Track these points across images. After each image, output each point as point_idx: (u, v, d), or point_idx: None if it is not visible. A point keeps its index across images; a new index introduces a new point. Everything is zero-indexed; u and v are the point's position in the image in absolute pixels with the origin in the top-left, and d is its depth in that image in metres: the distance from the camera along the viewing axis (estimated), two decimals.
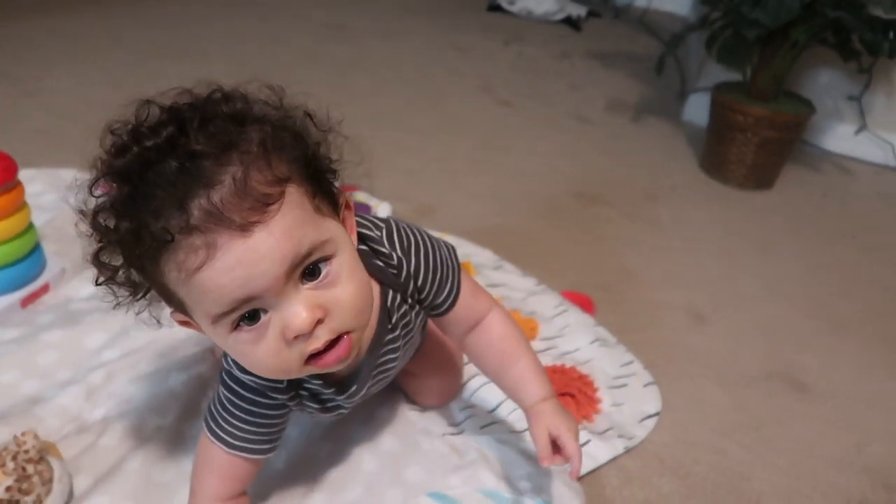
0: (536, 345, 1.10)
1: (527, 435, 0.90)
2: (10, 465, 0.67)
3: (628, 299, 1.27)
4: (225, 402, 0.68)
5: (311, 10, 2.59)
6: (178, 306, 0.57)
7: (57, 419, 0.83)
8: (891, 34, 1.50)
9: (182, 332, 0.95)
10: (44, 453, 0.70)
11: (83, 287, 1.06)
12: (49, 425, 0.82)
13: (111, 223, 0.53)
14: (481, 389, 0.96)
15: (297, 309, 0.54)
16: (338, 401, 0.71)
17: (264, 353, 0.56)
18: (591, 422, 0.97)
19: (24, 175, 1.01)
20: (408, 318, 0.71)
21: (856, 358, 1.20)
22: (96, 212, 0.55)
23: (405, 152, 1.68)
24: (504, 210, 1.50)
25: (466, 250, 1.31)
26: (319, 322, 0.55)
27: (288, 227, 0.52)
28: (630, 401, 1.02)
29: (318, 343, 0.56)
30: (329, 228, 0.56)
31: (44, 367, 0.90)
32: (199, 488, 0.70)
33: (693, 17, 2.65)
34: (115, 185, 0.53)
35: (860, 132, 1.97)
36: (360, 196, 1.42)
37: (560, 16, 2.93)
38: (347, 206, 0.62)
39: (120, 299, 0.58)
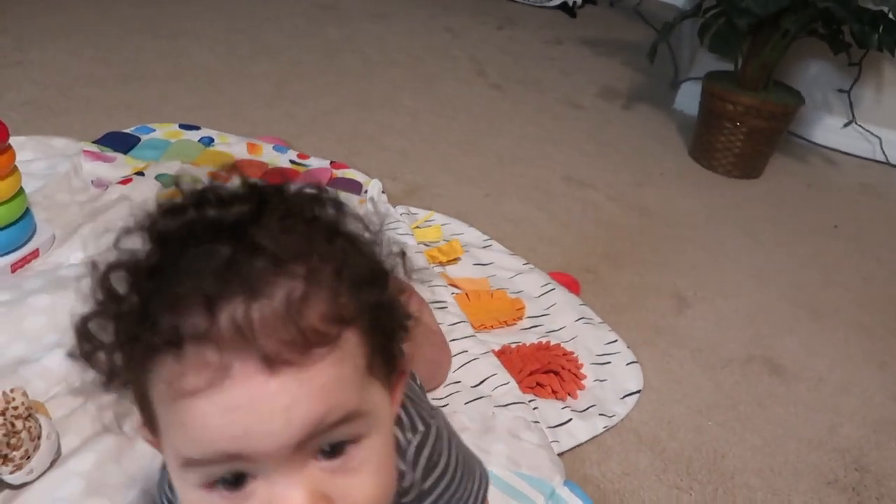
0: (523, 323, 1.12)
1: (509, 409, 0.92)
2: (0, 419, 0.68)
3: (613, 282, 1.29)
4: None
5: None
6: (150, 422, 0.43)
7: (44, 381, 0.84)
8: (880, 26, 1.52)
9: None
10: (32, 411, 0.71)
11: (72, 254, 1.06)
12: (36, 387, 0.83)
13: (120, 289, 0.41)
14: (465, 367, 0.98)
15: (295, 494, 0.40)
16: None
17: None
18: (576, 398, 0.99)
19: (14, 142, 1.01)
20: None
21: (833, 344, 1.23)
22: (110, 268, 0.42)
23: (396, 133, 1.69)
24: (492, 191, 1.51)
25: (455, 229, 1.32)
26: None
27: (327, 383, 0.39)
28: (612, 378, 1.04)
29: None
30: (374, 400, 0.43)
31: (31, 331, 0.90)
32: None
33: (688, 6, 2.66)
34: (149, 247, 0.41)
35: (848, 125, 1.99)
36: (351, 173, 1.43)
37: (555, 2, 2.93)
38: (402, 373, 0.48)
39: (87, 383, 0.44)
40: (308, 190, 0.43)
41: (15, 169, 0.99)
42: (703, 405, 1.04)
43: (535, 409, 0.94)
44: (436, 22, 2.50)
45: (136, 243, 0.41)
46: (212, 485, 0.40)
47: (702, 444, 0.97)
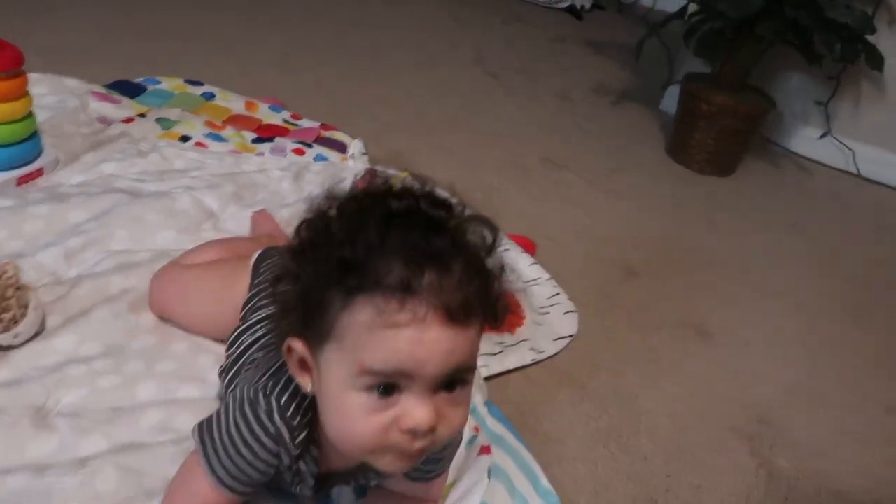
0: None
1: None
2: None
3: (571, 251, 1.39)
4: (233, 430, 0.64)
5: None
6: (316, 336, 0.57)
7: (35, 272, 0.95)
8: (843, 37, 1.61)
9: (158, 216, 1.08)
10: (21, 283, 0.82)
11: (73, 176, 1.18)
12: (28, 276, 0.94)
13: (362, 233, 0.55)
14: None
15: (427, 409, 0.55)
16: (307, 484, 0.69)
17: (370, 425, 0.56)
18: (513, 334, 1.09)
19: (31, 78, 1.13)
20: None
21: (767, 320, 1.32)
22: (359, 217, 0.56)
23: (388, 106, 1.80)
24: (470, 163, 1.62)
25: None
26: (431, 430, 0.57)
27: (471, 342, 0.56)
28: (549, 324, 1.14)
29: (416, 445, 0.57)
30: (476, 366, 0.60)
31: (29, 232, 1.02)
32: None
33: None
34: (372, 214, 0.56)
35: (824, 136, 2.08)
36: (338, 135, 1.54)
37: (564, 4, 3.04)
38: None
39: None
40: (478, 217, 0.61)
41: (26, 93, 1.11)
42: (627, 356, 1.14)
43: None
44: (445, 12, 2.61)
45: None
46: (371, 389, 0.56)
47: (619, 386, 1.07)
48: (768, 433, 1.06)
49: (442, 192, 0.60)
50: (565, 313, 1.17)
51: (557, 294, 1.21)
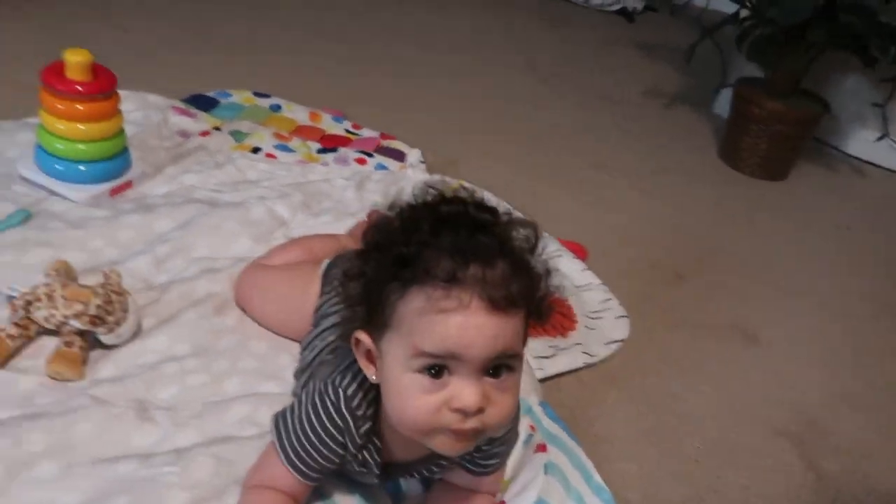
0: None
1: None
2: (100, 291, 0.89)
3: (620, 255, 1.43)
4: (304, 419, 0.72)
5: None
6: (377, 325, 0.65)
7: (130, 278, 1.05)
8: None
9: (234, 224, 1.17)
10: (123, 289, 0.92)
11: (158, 187, 1.28)
12: (123, 282, 1.04)
13: (416, 233, 0.62)
14: None
15: (474, 390, 0.62)
16: (372, 473, 0.76)
17: (424, 404, 0.63)
18: (565, 337, 1.14)
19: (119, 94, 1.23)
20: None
21: (813, 326, 1.35)
22: (414, 220, 0.64)
23: (441, 113, 1.87)
24: (518, 170, 1.67)
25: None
26: (479, 411, 0.63)
27: (514, 329, 0.62)
28: (601, 328, 1.19)
29: (466, 425, 0.63)
30: (522, 354, 0.66)
31: (123, 240, 1.12)
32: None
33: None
34: (426, 216, 0.64)
35: (882, 139, 2.06)
36: (397, 144, 1.62)
37: (616, 7, 3.05)
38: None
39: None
40: (522, 219, 0.68)
41: (119, 112, 1.21)
42: (674, 357, 1.18)
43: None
44: (496, 16, 2.66)
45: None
46: (423, 370, 0.63)
47: (667, 388, 1.12)
48: (816, 435, 1.09)
49: (490, 199, 0.68)
50: (617, 318, 1.22)
51: (609, 299, 1.26)
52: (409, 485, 0.86)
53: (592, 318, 1.22)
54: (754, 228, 1.64)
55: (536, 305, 0.66)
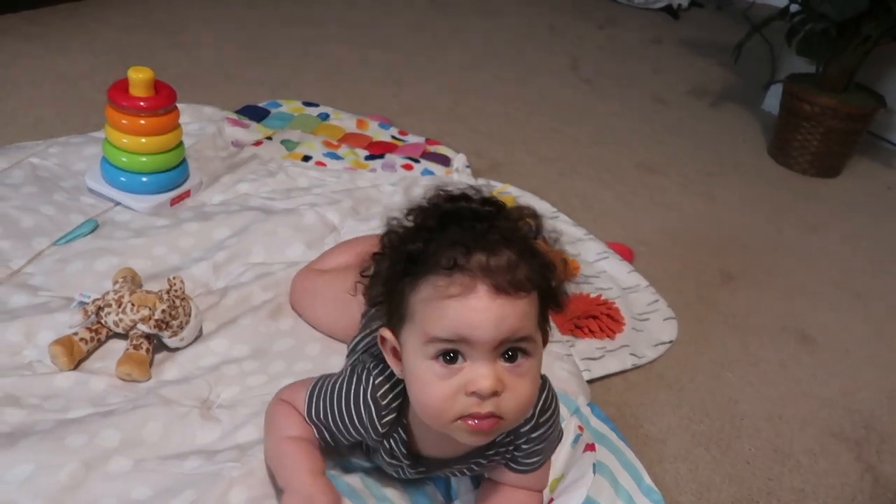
0: (575, 279, 1.29)
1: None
2: (165, 296, 0.93)
3: (668, 255, 1.43)
4: (335, 391, 0.77)
5: None
6: (397, 320, 0.68)
7: (190, 283, 1.10)
8: None
9: (288, 231, 1.21)
10: (186, 294, 0.96)
11: (214, 196, 1.33)
12: (185, 287, 1.09)
13: (423, 230, 0.67)
14: None
15: (487, 372, 0.64)
16: (404, 466, 0.79)
17: (440, 390, 0.65)
18: (613, 339, 1.15)
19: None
20: (501, 450, 0.79)
21: (868, 324, 1.32)
22: (422, 218, 0.68)
23: (486, 117, 1.88)
24: (567, 171, 1.68)
25: (527, 201, 1.50)
26: (495, 394, 0.64)
27: (521, 312, 0.64)
28: (649, 330, 1.19)
29: (482, 409, 0.64)
30: (538, 338, 0.68)
31: (183, 247, 1.17)
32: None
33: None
34: (433, 216, 0.68)
35: None
36: (442, 149, 1.64)
37: (660, 4, 3.02)
38: (546, 339, 0.72)
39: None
40: (525, 209, 0.71)
41: (178, 125, 1.27)
42: (727, 359, 1.17)
43: (571, 346, 1.12)
44: (540, 19, 2.67)
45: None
46: (437, 357, 0.65)
47: (718, 389, 1.11)
48: (873, 438, 1.07)
49: (533, 201, 0.70)
50: (665, 319, 1.22)
51: (657, 301, 1.26)
52: (460, 484, 0.88)
53: (640, 320, 1.22)
54: (807, 227, 1.61)
55: (551, 292, 0.68)
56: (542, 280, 0.67)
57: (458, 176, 1.53)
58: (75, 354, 0.90)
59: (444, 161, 1.59)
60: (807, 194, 1.75)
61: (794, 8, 1.81)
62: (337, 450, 0.84)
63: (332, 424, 0.77)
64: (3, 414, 0.82)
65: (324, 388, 0.78)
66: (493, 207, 0.68)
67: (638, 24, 2.80)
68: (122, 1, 2.17)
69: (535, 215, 0.70)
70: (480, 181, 1.53)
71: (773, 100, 2.14)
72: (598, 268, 1.33)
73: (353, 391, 0.76)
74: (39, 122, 1.48)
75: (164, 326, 0.93)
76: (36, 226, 1.13)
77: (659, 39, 2.65)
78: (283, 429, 0.80)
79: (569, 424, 0.94)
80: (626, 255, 1.38)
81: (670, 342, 1.18)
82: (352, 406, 0.76)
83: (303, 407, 0.79)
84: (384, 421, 0.75)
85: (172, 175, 1.28)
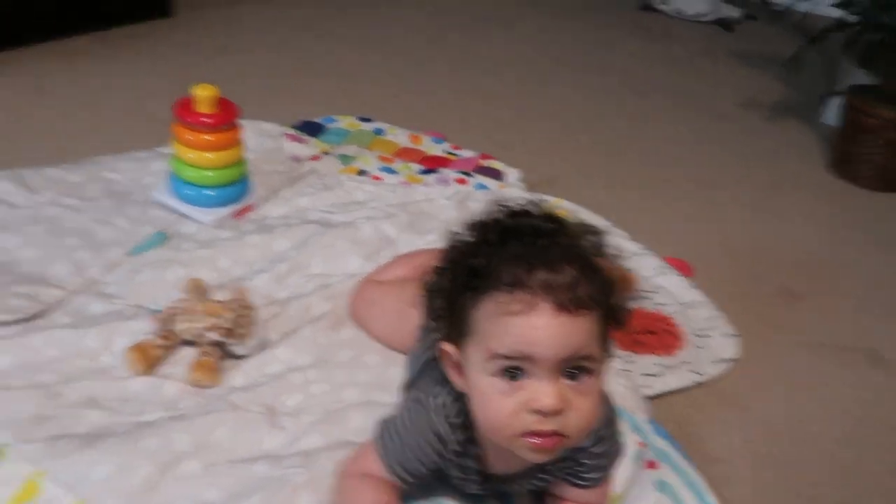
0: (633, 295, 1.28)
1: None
2: (232, 306, 0.97)
3: (728, 272, 1.40)
4: (404, 425, 0.77)
5: (475, 7, 2.83)
6: (459, 335, 0.69)
7: (254, 294, 1.12)
8: None
9: (346, 243, 1.23)
10: (252, 304, 0.99)
11: (275, 209, 1.37)
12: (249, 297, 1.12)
13: (485, 245, 0.68)
14: None
15: (551, 390, 0.64)
16: (472, 481, 0.79)
17: (503, 407, 0.65)
18: (672, 355, 1.13)
19: None
20: (563, 465, 0.78)
21: None
22: (484, 233, 0.69)
23: (540, 133, 1.89)
24: (619, 187, 1.67)
25: (581, 215, 1.49)
26: (557, 413, 0.65)
27: (585, 329, 0.64)
28: (710, 347, 1.17)
29: (545, 426, 0.65)
30: (601, 357, 0.67)
31: (246, 259, 1.21)
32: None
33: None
34: (496, 232, 0.68)
35: None
36: (496, 164, 1.65)
37: (712, 17, 2.99)
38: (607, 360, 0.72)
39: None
40: (586, 225, 0.71)
41: (240, 140, 1.31)
42: (792, 378, 1.14)
43: (629, 362, 1.10)
44: (593, 36, 2.66)
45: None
46: (500, 373, 0.66)
47: (783, 409, 1.08)
48: None
49: (588, 217, 0.69)
50: (725, 336, 1.20)
51: (716, 317, 1.24)
52: (522, 500, 0.87)
53: (700, 336, 1.20)
54: (873, 243, 1.57)
55: (612, 309, 0.68)
56: (603, 298, 0.66)
57: (512, 191, 1.53)
58: (150, 360, 0.93)
59: (497, 175, 1.60)
60: (872, 209, 1.71)
61: (852, 19, 1.78)
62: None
63: (413, 462, 0.76)
64: (84, 415, 0.86)
65: (391, 431, 0.77)
66: (555, 224, 0.69)
67: (690, 37, 2.77)
68: (187, 24, 2.26)
69: (596, 231, 0.71)
70: (534, 196, 1.53)
71: (831, 112, 2.09)
72: (656, 283, 1.32)
73: (422, 419, 0.76)
74: (110, 138, 1.55)
75: (231, 335, 0.96)
76: (111, 237, 1.18)
77: (712, 53, 2.62)
78: None
79: (629, 440, 0.93)
80: (685, 270, 1.36)
81: (733, 360, 1.16)
82: (424, 433, 0.75)
83: (375, 466, 0.77)
84: (458, 439, 0.75)
85: (236, 189, 1.32)
